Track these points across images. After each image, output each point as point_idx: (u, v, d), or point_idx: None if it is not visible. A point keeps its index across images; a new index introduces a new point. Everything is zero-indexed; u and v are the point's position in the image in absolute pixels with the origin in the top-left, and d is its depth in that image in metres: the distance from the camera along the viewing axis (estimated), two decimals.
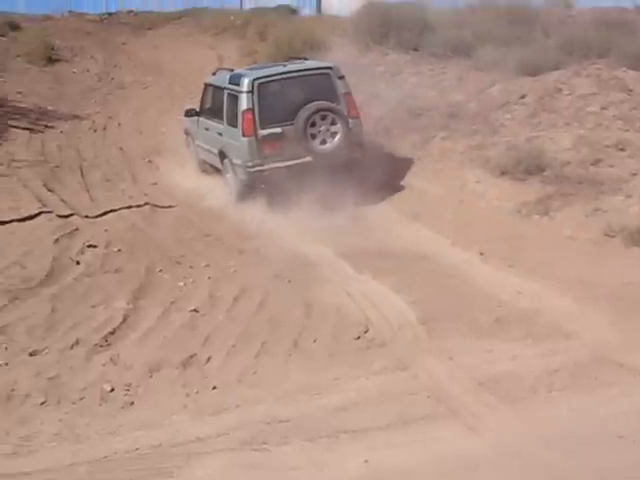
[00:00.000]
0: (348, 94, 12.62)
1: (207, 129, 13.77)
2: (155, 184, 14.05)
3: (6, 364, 7.56)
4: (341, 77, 12.58)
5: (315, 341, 7.80)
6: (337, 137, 12.29)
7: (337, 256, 10.22)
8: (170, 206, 12.72)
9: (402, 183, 12.84)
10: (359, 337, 7.82)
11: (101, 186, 14.09)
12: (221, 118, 13.10)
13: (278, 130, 12.17)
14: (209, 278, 9.71)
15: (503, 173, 11.80)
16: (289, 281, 9.47)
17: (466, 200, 11.68)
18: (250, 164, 12.17)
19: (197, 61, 20.43)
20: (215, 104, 13.64)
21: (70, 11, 25.95)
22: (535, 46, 14.93)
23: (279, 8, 24.61)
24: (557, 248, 9.72)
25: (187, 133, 15.10)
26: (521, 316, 7.94)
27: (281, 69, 12.65)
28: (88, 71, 21.88)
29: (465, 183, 12.05)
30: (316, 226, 11.04)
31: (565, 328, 7.62)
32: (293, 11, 24.56)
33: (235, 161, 12.44)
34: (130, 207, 12.79)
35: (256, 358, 7.52)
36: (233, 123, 12.53)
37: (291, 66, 12.80)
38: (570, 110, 12.63)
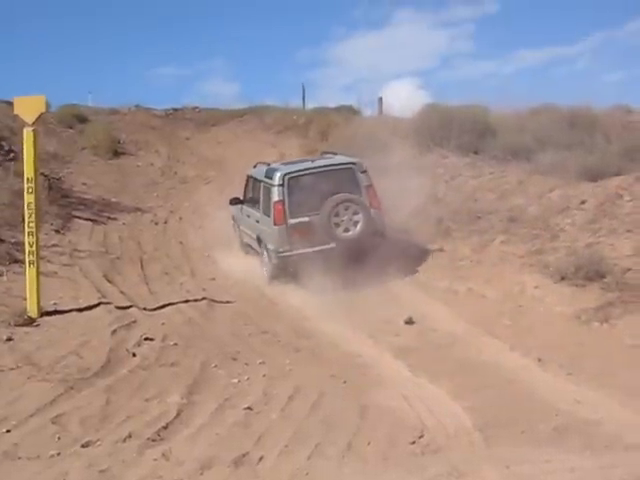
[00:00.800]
0: (370, 186, 13.94)
1: (248, 216, 15.36)
2: (213, 279, 14.46)
3: (58, 454, 7.45)
4: (363, 171, 13.97)
5: (369, 444, 7.60)
6: (359, 225, 13.62)
7: (394, 357, 10.18)
8: (228, 302, 12.95)
9: (460, 286, 12.82)
10: (414, 442, 7.62)
11: (160, 279, 14.41)
12: (258, 207, 14.63)
13: (306, 219, 13.58)
14: (264, 376, 9.64)
15: (563, 278, 11.71)
16: (344, 382, 9.38)
17: (525, 305, 11.58)
18: (281, 249, 13.58)
19: (259, 158, 20.64)
20: (254, 194, 15.19)
21: (137, 105, 26.96)
22: (596, 151, 14.88)
23: (341, 108, 25.10)
24: (618, 356, 9.49)
25: (233, 219, 17.04)
26: (580, 426, 7.69)
27: (309, 164, 14.10)
28: (152, 165, 22.90)
29: (524, 288, 11.97)
30: (372, 324, 11.17)
31: (626, 440, 7.32)
32: (355, 112, 24.90)
33: (269, 246, 13.80)
34: (188, 301, 12.94)
35: (309, 460, 7.29)
36: (267, 212, 13.95)
37: (319, 161, 14.26)
38: (631, 216, 12.57)
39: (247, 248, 16.20)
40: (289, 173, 13.87)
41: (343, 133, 20.81)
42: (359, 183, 14.01)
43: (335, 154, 14.95)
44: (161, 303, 12.59)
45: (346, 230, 13.71)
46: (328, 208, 13.54)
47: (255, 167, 15.93)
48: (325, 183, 13.81)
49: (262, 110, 26.42)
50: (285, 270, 13.84)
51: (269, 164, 15.09)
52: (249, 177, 15.94)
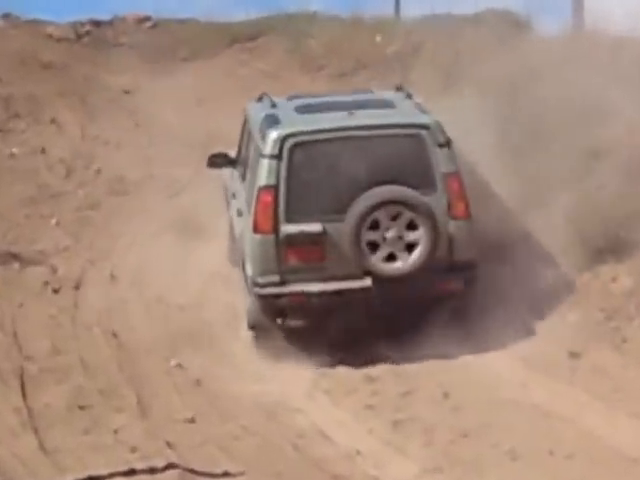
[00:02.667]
0: (453, 176, 9.59)
1: (234, 195, 10.93)
2: (191, 421, 8.88)
3: None
4: (443, 144, 9.55)
5: None
6: (417, 252, 9.43)
7: None
8: (226, 473, 7.88)
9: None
10: None
11: (66, 421, 8.81)
12: (245, 181, 10.43)
13: (317, 228, 9.45)
14: None
15: None
16: None
17: None
18: (261, 280, 9.45)
19: None
20: (245, 157, 10.79)
21: (5, 16, 16.30)
22: None
23: (484, 17, 15.63)
24: None
25: (224, 190, 11.88)
26: None
27: (340, 120, 9.67)
28: (44, 152, 14.43)
29: None
30: None
31: None
32: (517, 24, 15.43)
33: (247, 269, 9.75)
34: (132, 474, 7.80)
35: None
36: (249, 203, 9.83)
37: (361, 114, 9.76)
38: None
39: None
40: (295, 135, 9.35)
41: (496, 73, 13.64)
42: (431, 166, 9.42)
43: (409, 96, 10.27)
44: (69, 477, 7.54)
45: (390, 258, 9.30)
46: (360, 211, 9.22)
47: (261, 100, 11.19)
48: (364, 160, 9.38)
49: (299, 24, 18.04)
50: (271, 326, 9.51)
51: (273, 104, 10.36)
52: (245, 118, 11.21)
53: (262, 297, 9.31)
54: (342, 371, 9.06)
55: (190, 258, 11.53)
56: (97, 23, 16.63)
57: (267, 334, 9.58)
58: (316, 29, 15.75)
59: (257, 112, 10.70)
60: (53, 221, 12.59)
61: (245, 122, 11.10)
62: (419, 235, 9.23)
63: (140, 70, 15.87)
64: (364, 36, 15.54)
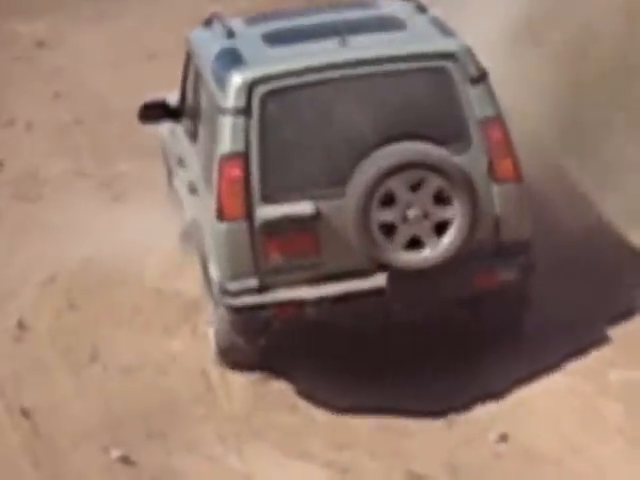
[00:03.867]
0: (493, 121, 7.43)
1: (182, 162, 8.74)
2: None
3: None
4: (477, 79, 7.40)
5: None
6: (451, 233, 7.23)
7: None
8: None
9: None
10: None
11: None
12: (198, 147, 8.19)
13: (307, 208, 7.23)
14: None
15: None
16: None
17: None
18: (233, 287, 7.24)
19: None
20: (194, 107, 8.62)
21: None
22: None
23: None
24: None
25: (165, 159, 9.84)
26: None
27: (329, 54, 7.45)
28: None
29: None
30: None
31: None
32: None
33: (211, 270, 7.55)
34: None
35: None
36: (208, 174, 7.49)
37: (360, 46, 7.58)
38: None
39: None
40: (267, 78, 7.12)
41: None
42: (463, 111, 7.37)
43: (422, 9, 8.12)
44: None
45: (414, 244, 7.21)
46: (366, 181, 7.12)
47: (208, 24, 9.11)
48: (368, 108, 7.35)
49: None
50: (249, 350, 7.53)
51: (230, 32, 8.19)
52: (190, 53, 9.08)
53: (235, 311, 7.22)
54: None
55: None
56: None
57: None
58: None
59: (207, 44, 8.55)
60: None
61: (189, 58, 8.93)
62: (452, 211, 7.10)
63: (55, 14, 13.04)
64: None
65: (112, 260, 8.65)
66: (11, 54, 12.53)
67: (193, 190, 8.00)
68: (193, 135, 8.41)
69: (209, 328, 7.82)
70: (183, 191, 8.55)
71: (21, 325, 8.07)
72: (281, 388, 7.25)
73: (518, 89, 8.77)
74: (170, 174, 9.38)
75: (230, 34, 7.95)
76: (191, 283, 8.02)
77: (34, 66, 12.41)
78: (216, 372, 7.46)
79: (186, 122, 8.74)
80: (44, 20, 12.77)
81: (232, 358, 7.62)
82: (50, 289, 8.55)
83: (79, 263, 8.77)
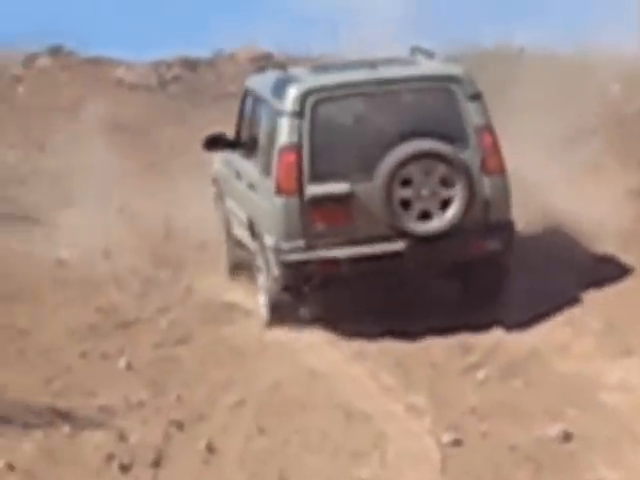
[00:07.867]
0: (485, 129, 9.47)
1: (239, 176, 10.32)
2: None
3: None
4: (474, 96, 9.45)
5: None
6: (453, 208, 9.24)
7: None
8: None
9: None
10: None
11: None
12: (255, 158, 9.85)
13: (344, 187, 9.16)
14: None
15: None
16: None
17: None
18: (287, 247, 9.06)
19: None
20: (252, 130, 10.24)
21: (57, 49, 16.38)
22: None
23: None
24: None
25: (216, 183, 11.30)
26: None
27: (363, 74, 9.57)
28: None
29: None
30: None
31: None
32: None
33: (266, 240, 9.35)
34: None
35: None
36: (266, 169, 9.36)
37: (385, 69, 9.69)
38: None
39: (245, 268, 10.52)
40: (318, 90, 9.18)
41: None
42: (463, 119, 9.30)
43: (431, 55, 10.02)
44: None
45: (425, 216, 9.10)
46: (389, 168, 9.00)
47: (263, 71, 11.26)
48: (391, 115, 9.30)
49: None
50: (296, 302, 9.05)
51: (284, 68, 10.23)
52: (247, 92, 10.65)
53: (287, 265, 8.88)
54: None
55: None
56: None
57: None
58: None
59: (263, 80, 10.44)
60: (122, 363, 9.08)
61: (246, 96, 10.67)
62: (455, 191, 9.02)
63: None
64: None
65: (301, 383, 8.63)
66: None
67: (252, 187, 9.75)
68: (249, 154, 10.17)
69: (260, 296, 9.32)
70: (241, 192, 10.25)
71: (210, 448, 7.58)
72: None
73: None
74: (219, 194, 11.12)
75: (283, 67, 10.12)
76: (382, 407, 7.89)
77: None
78: None
79: (241, 148, 10.49)
80: None
81: (280, 313, 9.14)
82: (239, 413, 8.20)
83: (269, 387, 8.53)
